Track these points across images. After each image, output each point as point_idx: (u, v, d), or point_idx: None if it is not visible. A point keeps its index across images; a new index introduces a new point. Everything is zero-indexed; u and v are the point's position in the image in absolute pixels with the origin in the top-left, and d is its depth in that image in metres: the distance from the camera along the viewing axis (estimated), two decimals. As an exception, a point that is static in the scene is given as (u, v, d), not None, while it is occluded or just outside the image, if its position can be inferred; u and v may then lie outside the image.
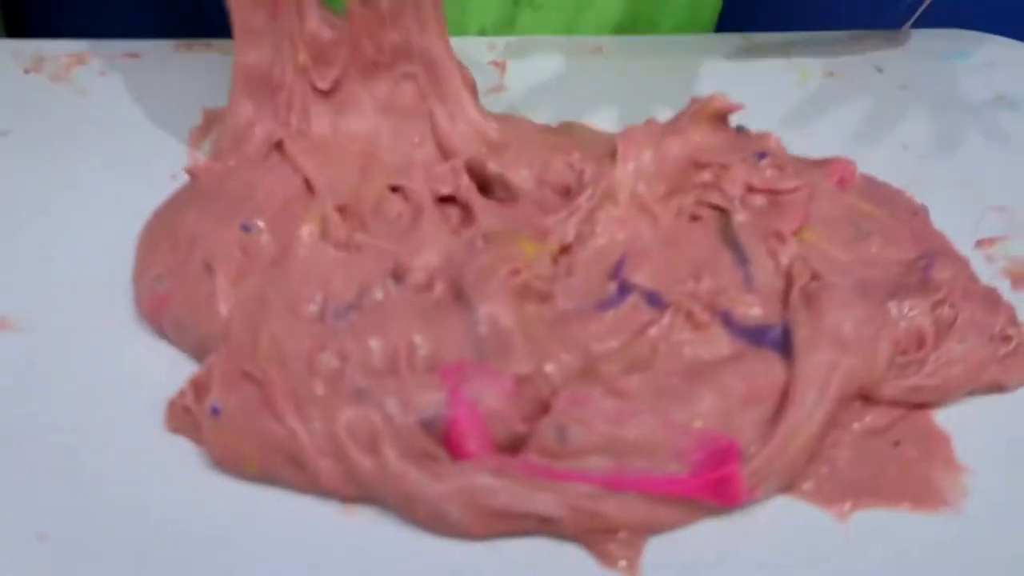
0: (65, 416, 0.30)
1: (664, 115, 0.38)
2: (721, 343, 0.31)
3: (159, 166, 0.39)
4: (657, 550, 0.27)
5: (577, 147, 0.38)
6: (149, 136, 0.43)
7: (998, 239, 0.39)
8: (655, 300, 0.32)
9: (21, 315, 0.34)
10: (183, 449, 0.29)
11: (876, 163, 0.40)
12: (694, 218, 0.35)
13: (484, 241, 0.33)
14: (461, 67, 0.39)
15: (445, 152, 0.37)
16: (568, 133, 0.42)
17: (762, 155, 0.36)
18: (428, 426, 0.28)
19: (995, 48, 0.52)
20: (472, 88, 0.39)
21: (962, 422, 0.31)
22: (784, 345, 0.31)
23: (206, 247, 0.33)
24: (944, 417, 0.32)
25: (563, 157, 0.36)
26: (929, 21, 0.53)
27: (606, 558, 0.27)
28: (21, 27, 0.75)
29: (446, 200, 0.36)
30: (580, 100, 0.45)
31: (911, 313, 0.31)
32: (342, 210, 0.33)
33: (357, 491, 0.28)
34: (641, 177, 0.34)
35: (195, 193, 0.36)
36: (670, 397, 0.29)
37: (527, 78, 0.47)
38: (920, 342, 0.31)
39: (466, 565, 0.27)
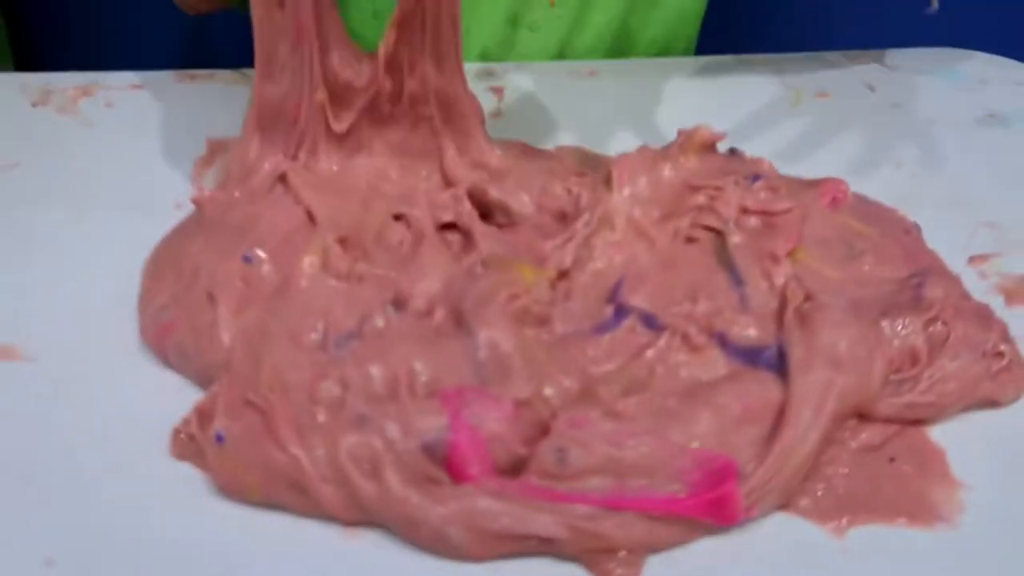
0: (72, 443, 0.31)
1: (658, 136, 0.38)
2: (717, 364, 0.32)
3: (164, 196, 0.40)
4: (656, 568, 0.28)
5: (574, 172, 0.38)
6: (154, 166, 0.43)
7: (991, 255, 0.39)
8: (652, 322, 0.33)
9: (29, 344, 0.34)
10: (188, 475, 0.30)
11: (869, 181, 0.41)
12: (690, 240, 0.35)
13: (484, 267, 0.33)
14: (473, 99, 0.39)
15: (449, 181, 0.38)
16: (566, 157, 0.42)
17: (756, 177, 0.36)
18: (429, 450, 0.28)
19: (985, 66, 0.53)
20: (481, 119, 0.40)
21: (957, 438, 0.32)
22: (779, 365, 0.31)
23: (209, 277, 0.33)
24: (939, 433, 0.32)
25: (561, 182, 0.37)
26: (920, 40, 0.54)
27: (606, 577, 0.27)
28: (30, 59, 0.76)
29: (447, 227, 0.36)
30: (577, 124, 0.46)
31: (904, 331, 0.32)
32: (343, 241, 0.34)
33: (360, 516, 0.28)
34: (636, 202, 0.35)
35: (200, 223, 0.37)
36: (668, 418, 0.30)
37: (525, 103, 0.48)
38: (914, 360, 0.32)
39: (468, 587, 0.27)
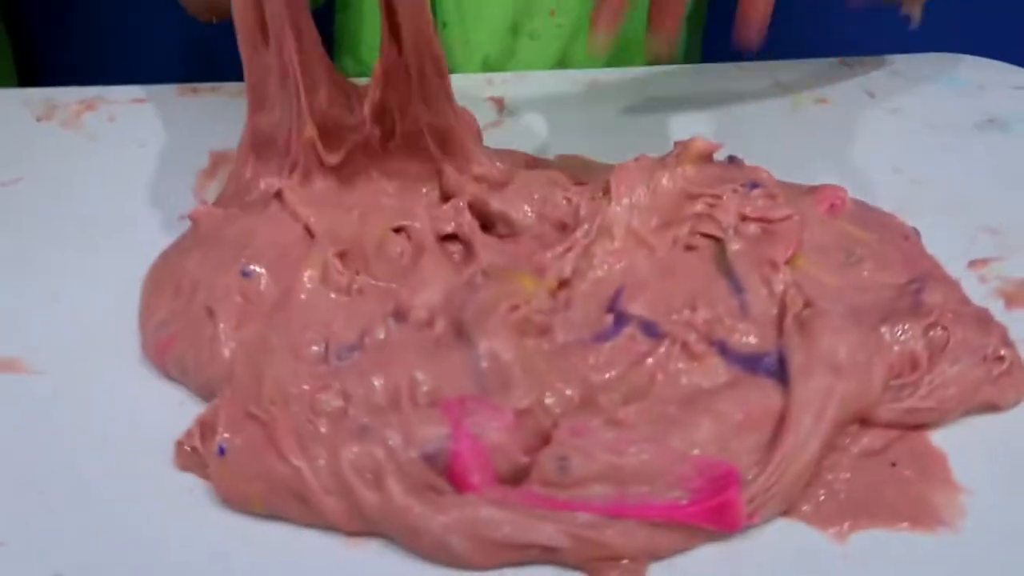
0: (77, 455, 0.31)
1: (659, 145, 0.39)
2: (717, 371, 0.32)
3: (168, 209, 0.40)
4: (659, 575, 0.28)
5: (574, 181, 0.39)
6: (157, 180, 0.44)
7: (990, 260, 0.39)
8: (651, 330, 0.33)
9: (33, 357, 0.35)
10: (192, 485, 0.30)
11: (868, 187, 0.41)
12: (689, 248, 0.36)
13: (484, 277, 0.34)
14: (467, 117, 0.39)
15: (449, 195, 0.38)
16: (566, 166, 0.42)
17: (753, 185, 0.37)
18: (431, 460, 0.28)
19: (985, 70, 0.53)
20: (478, 136, 0.40)
21: (958, 442, 0.32)
22: (779, 372, 0.31)
23: (207, 292, 0.34)
24: (940, 437, 0.32)
25: (562, 192, 0.37)
26: (918, 45, 0.54)
27: (609, 585, 0.28)
28: (34, 74, 0.77)
29: (448, 238, 0.36)
30: (577, 133, 0.46)
31: (904, 337, 0.32)
32: (343, 255, 0.34)
33: (362, 525, 0.29)
34: (635, 211, 0.35)
35: (196, 239, 0.37)
36: (668, 425, 0.30)
37: (525, 113, 0.48)
38: (914, 365, 0.32)
39: (471, 595, 0.28)
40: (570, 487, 0.28)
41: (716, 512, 0.28)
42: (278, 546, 0.29)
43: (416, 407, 0.29)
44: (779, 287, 0.34)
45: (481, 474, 0.28)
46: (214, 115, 0.48)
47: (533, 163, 0.42)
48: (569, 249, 0.34)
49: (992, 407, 0.33)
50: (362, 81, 0.38)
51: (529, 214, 0.37)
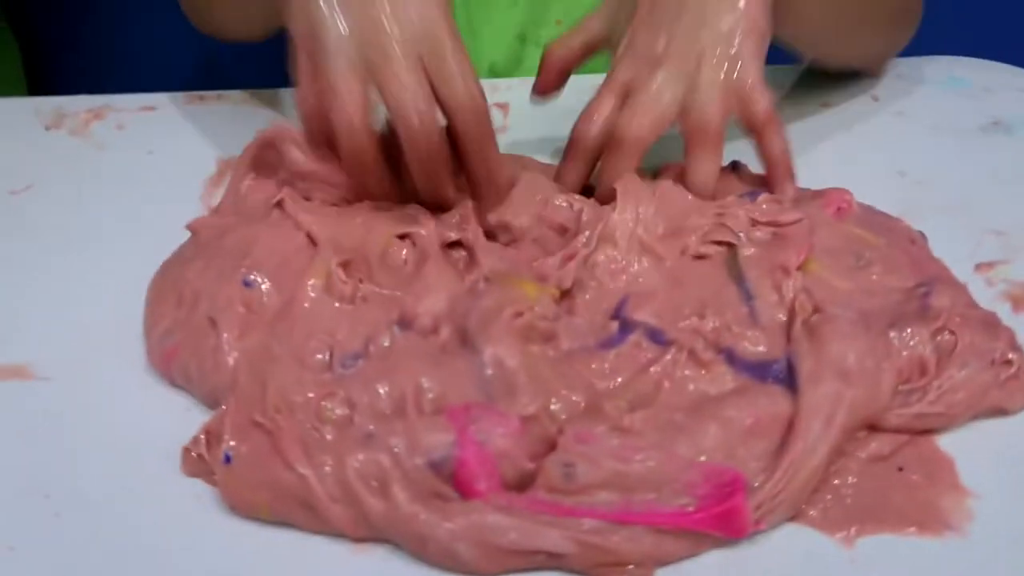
0: (84, 460, 0.31)
1: (664, 149, 0.39)
2: (725, 379, 0.32)
3: (175, 216, 0.40)
4: (666, 582, 0.28)
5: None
6: (165, 187, 0.44)
7: (997, 263, 0.39)
8: (658, 338, 0.33)
9: (41, 364, 0.35)
10: (199, 492, 0.30)
11: (873, 191, 0.41)
12: (699, 257, 0.35)
13: (486, 284, 0.34)
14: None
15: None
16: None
17: (753, 194, 0.37)
18: (437, 467, 0.28)
19: (989, 73, 0.53)
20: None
21: (965, 446, 0.32)
22: (788, 379, 0.31)
23: (209, 302, 0.34)
24: (948, 442, 0.32)
25: (564, 196, 0.37)
26: (922, 48, 0.54)
27: (616, 591, 0.28)
28: (44, 83, 0.78)
29: (452, 245, 0.36)
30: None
31: (912, 342, 0.32)
32: (346, 265, 0.34)
33: (369, 532, 0.29)
34: (639, 220, 0.35)
35: (196, 248, 0.37)
36: (675, 432, 0.30)
37: (530, 118, 0.48)
38: (922, 370, 0.32)
39: (478, 601, 0.28)
40: (576, 494, 0.28)
41: (723, 519, 0.28)
42: (285, 552, 0.29)
43: (421, 414, 0.29)
44: (790, 293, 0.34)
45: (487, 481, 0.28)
46: (221, 123, 0.48)
47: (537, 168, 0.42)
48: (571, 258, 0.34)
49: (1000, 411, 0.33)
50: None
51: (529, 220, 0.37)
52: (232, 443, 0.29)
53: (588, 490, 0.28)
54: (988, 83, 0.52)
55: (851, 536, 0.29)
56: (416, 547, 0.28)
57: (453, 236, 0.36)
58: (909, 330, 0.32)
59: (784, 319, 0.33)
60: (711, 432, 0.30)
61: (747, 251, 0.35)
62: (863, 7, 0.44)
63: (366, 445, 0.29)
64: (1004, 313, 0.36)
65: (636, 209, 0.35)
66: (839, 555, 0.29)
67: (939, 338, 0.32)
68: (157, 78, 0.54)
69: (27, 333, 0.36)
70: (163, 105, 0.50)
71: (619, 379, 0.32)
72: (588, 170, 0.39)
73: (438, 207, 0.36)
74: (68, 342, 0.36)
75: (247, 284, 0.34)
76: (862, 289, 0.35)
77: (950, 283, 0.36)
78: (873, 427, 0.31)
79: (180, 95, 0.51)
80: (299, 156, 0.37)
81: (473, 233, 0.36)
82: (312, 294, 0.33)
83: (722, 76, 0.37)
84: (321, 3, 0.35)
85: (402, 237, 0.36)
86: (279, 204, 0.36)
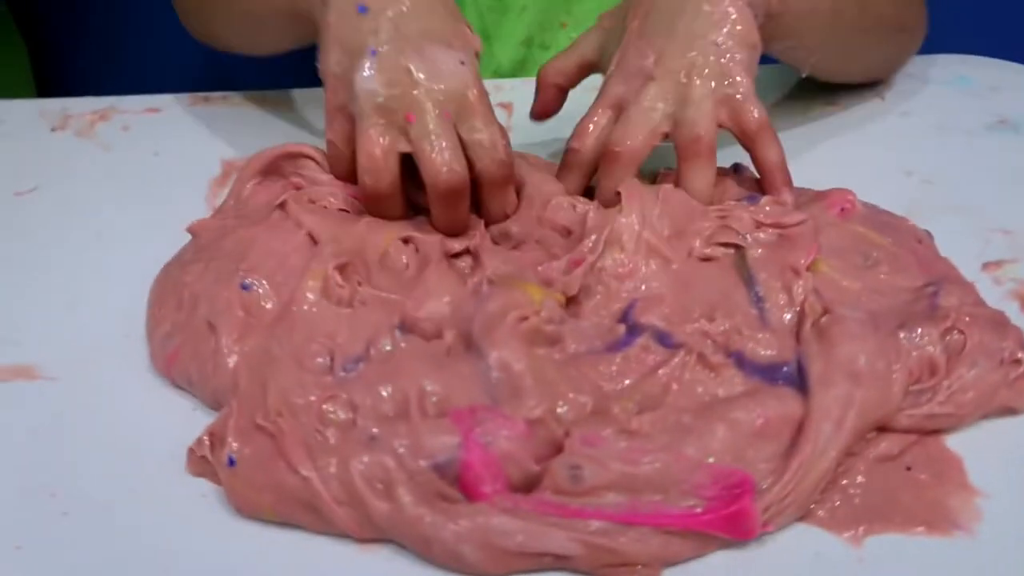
0: (89, 461, 0.31)
1: (668, 150, 0.38)
2: (735, 382, 0.32)
3: (181, 217, 0.40)
4: (673, 582, 0.28)
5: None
6: (170, 188, 0.44)
7: (1004, 262, 0.39)
8: (666, 341, 0.32)
9: (47, 364, 0.35)
10: (204, 491, 0.30)
11: (880, 190, 0.40)
12: (706, 259, 0.35)
13: (490, 286, 0.33)
14: None
15: None
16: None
17: (752, 198, 0.37)
18: (442, 470, 0.28)
19: (995, 72, 0.52)
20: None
21: (974, 445, 0.31)
22: (798, 381, 0.31)
23: (208, 306, 0.34)
24: (956, 441, 0.32)
25: (567, 198, 0.37)
26: (928, 47, 0.54)
27: (623, 592, 0.27)
28: (50, 84, 0.78)
29: (457, 254, 0.36)
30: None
31: (921, 342, 0.32)
32: (344, 268, 0.34)
33: (374, 534, 0.29)
34: (645, 223, 0.35)
35: (196, 251, 0.37)
36: (683, 433, 0.30)
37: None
38: (932, 370, 0.32)
39: (484, 602, 0.27)
40: (583, 495, 0.28)
41: (731, 521, 0.28)
42: (291, 552, 0.29)
43: (425, 417, 0.29)
44: (800, 294, 0.33)
45: (492, 483, 0.28)
46: (226, 124, 0.48)
47: (543, 167, 0.42)
48: (577, 263, 0.34)
49: (1008, 411, 0.33)
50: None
51: (529, 224, 0.37)
52: (235, 446, 0.29)
53: (595, 492, 0.28)
54: (995, 82, 0.51)
55: (859, 535, 0.29)
56: (421, 549, 0.28)
57: (459, 247, 0.36)
58: (919, 330, 0.32)
59: (793, 320, 0.33)
60: (719, 434, 0.29)
61: (755, 252, 0.35)
62: (856, 25, 0.45)
63: (370, 447, 0.29)
64: (1012, 312, 0.36)
65: (642, 211, 0.35)
66: (847, 554, 0.28)
67: (948, 338, 0.32)
68: (163, 80, 0.54)
69: (33, 334, 0.36)
70: (169, 106, 0.50)
71: (626, 381, 0.31)
72: (585, 181, 0.39)
73: (452, 235, 0.36)
74: (74, 343, 0.36)
75: (245, 287, 0.34)
76: (871, 289, 0.35)
77: (958, 282, 0.36)
78: (883, 428, 0.31)
79: (185, 96, 0.51)
80: (319, 174, 0.38)
81: (479, 236, 0.36)
82: (311, 297, 0.33)
83: (713, 88, 0.37)
84: (354, 48, 0.35)
85: (405, 241, 0.36)
86: (282, 205, 0.36)
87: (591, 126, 0.39)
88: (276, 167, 0.39)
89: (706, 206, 0.36)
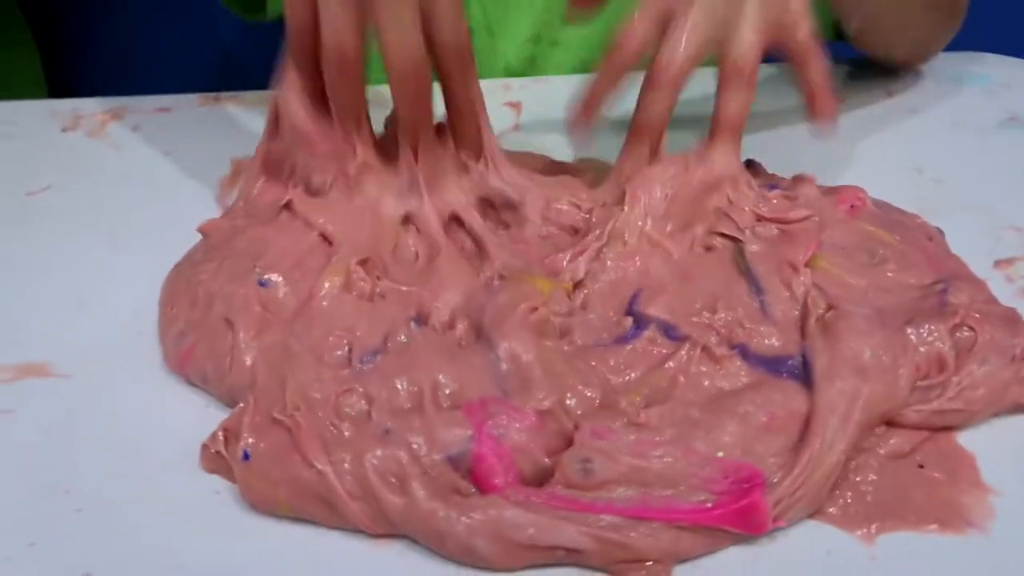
0: (103, 457, 0.31)
1: (676, 147, 0.39)
2: (740, 374, 0.32)
3: (192, 216, 0.40)
4: (684, 578, 0.28)
5: (591, 185, 0.39)
6: (181, 187, 0.44)
7: (1016, 259, 0.39)
8: (671, 333, 0.33)
9: (60, 362, 0.35)
10: (218, 487, 0.30)
11: (890, 187, 0.40)
12: (708, 249, 0.35)
13: (500, 280, 0.34)
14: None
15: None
16: (585, 169, 0.42)
17: (772, 187, 0.37)
18: (455, 462, 0.28)
19: (1007, 68, 0.52)
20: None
21: (987, 442, 0.31)
22: (803, 375, 0.31)
23: (224, 303, 0.34)
24: (968, 438, 0.32)
25: (569, 197, 0.37)
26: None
27: (634, 587, 0.28)
28: (61, 85, 0.78)
29: (454, 222, 0.36)
30: (596, 136, 0.46)
31: (930, 337, 0.32)
32: (364, 263, 0.34)
33: (387, 528, 0.29)
34: (649, 216, 0.35)
35: (207, 250, 0.37)
36: (692, 428, 0.30)
37: (543, 117, 0.48)
38: (941, 366, 0.32)
39: (496, 597, 0.28)
40: (594, 489, 0.28)
41: (742, 515, 0.28)
42: (305, 547, 0.29)
43: (439, 410, 0.30)
44: (800, 289, 0.33)
45: (504, 475, 0.28)
46: (236, 123, 0.49)
47: (551, 167, 0.42)
48: (581, 252, 0.34)
49: (1021, 408, 0.32)
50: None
51: (535, 202, 0.37)
52: (251, 440, 0.30)
53: (606, 486, 0.28)
54: (1005, 78, 0.51)
55: (871, 533, 0.29)
56: (435, 543, 0.28)
57: (454, 206, 0.35)
58: (927, 326, 0.32)
59: (795, 315, 0.33)
60: (728, 428, 0.30)
61: (753, 247, 0.35)
62: None
63: (384, 441, 0.29)
64: (1024, 309, 0.35)
65: (646, 202, 0.35)
66: (859, 552, 0.28)
67: (958, 334, 0.32)
68: (173, 80, 0.54)
69: (45, 332, 0.37)
70: (179, 106, 0.50)
71: (633, 374, 0.32)
72: (614, 87, 0.38)
73: (416, 137, 0.36)
74: (86, 341, 0.36)
75: (263, 284, 0.34)
76: (876, 286, 0.35)
77: (968, 279, 0.36)
78: (892, 423, 0.31)
79: (196, 96, 0.51)
80: (299, 110, 0.37)
81: (480, 228, 0.36)
82: (331, 290, 0.33)
83: (761, 6, 0.36)
84: None
85: (405, 222, 0.36)
86: (287, 205, 0.36)
87: (637, 27, 0.37)
88: (276, 166, 0.39)
89: (717, 183, 0.36)
